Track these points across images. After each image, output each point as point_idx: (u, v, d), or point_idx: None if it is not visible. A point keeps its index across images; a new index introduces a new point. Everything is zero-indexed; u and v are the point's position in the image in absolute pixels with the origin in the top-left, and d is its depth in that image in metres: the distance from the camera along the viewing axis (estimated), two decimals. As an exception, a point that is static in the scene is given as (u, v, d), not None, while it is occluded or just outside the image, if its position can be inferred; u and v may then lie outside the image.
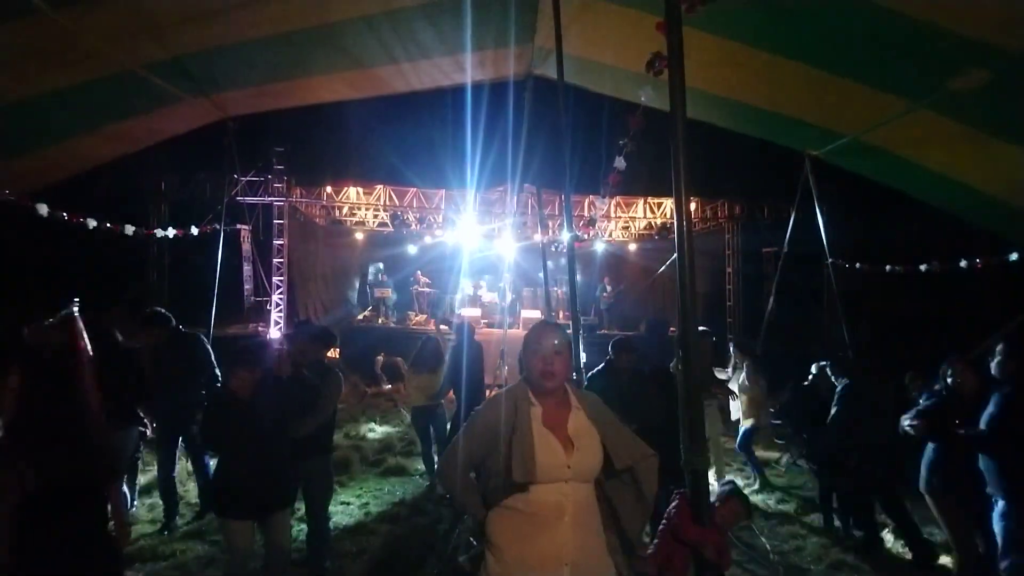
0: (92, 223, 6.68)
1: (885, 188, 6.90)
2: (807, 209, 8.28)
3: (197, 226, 9.75)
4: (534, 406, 2.05)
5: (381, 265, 16.05)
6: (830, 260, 8.40)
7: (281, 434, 3.55)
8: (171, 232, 9.90)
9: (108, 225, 6.92)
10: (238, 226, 12.83)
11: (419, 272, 16.57)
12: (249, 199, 12.32)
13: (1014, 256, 6.70)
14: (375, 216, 15.70)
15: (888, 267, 8.64)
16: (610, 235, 16.74)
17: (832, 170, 7.52)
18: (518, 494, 1.97)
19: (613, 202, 14.43)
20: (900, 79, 4.70)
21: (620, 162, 5.22)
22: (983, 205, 5.85)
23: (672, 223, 15.25)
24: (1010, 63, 3.95)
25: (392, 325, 15.07)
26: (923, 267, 8.01)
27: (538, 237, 14.25)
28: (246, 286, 13.80)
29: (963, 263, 7.43)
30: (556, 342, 2.06)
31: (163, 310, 5.33)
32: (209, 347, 5.40)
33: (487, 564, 2.00)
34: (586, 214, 14.69)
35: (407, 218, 15.56)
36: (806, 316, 12.83)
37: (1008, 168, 5.14)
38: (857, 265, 8.73)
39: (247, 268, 13.74)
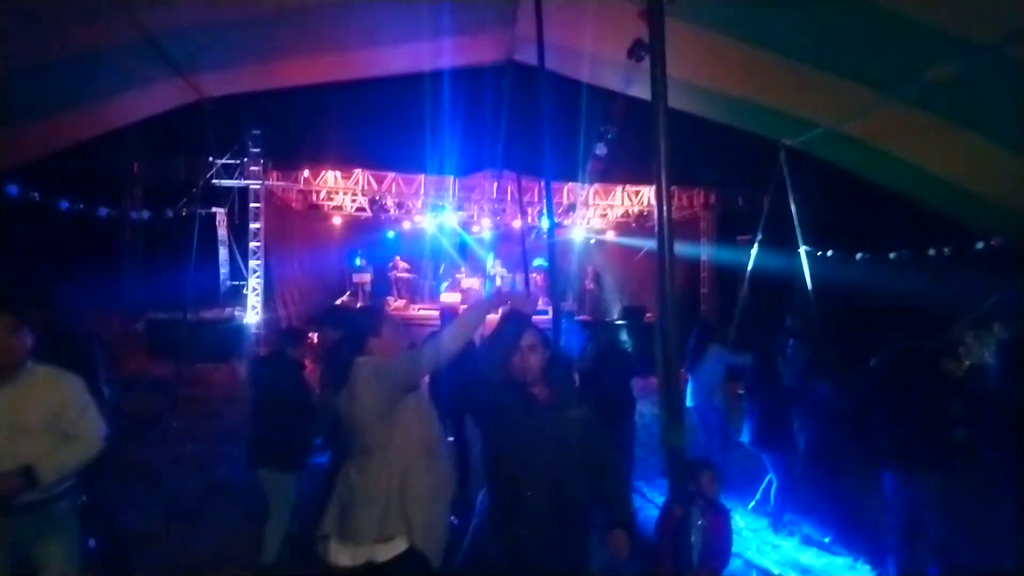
0: (63, 205, 6.56)
1: (858, 177, 7.05)
2: (781, 198, 8.42)
3: (172, 209, 9.60)
4: None
5: (359, 251, 16.01)
6: (803, 247, 8.56)
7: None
8: (145, 215, 9.75)
9: (80, 207, 6.79)
10: (214, 209, 12.60)
11: (398, 257, 16.50)
12: (225, 182, 12.09)
13: (980, 244, 6.94)
14: (353, 201, 15.52)
15: (859, 255, 8.85)
16: (588, 223, 16.77)
17: (806, 159, 7.65)
18: None
19: (592, 189, 14.47)
20: (874, 71, 4.80)
21: (601, 148, 5.27)
22: (953, 195, 6.02)
23: (649, 211, 15.27)
24: (979, 55, 4.07)
25: (370, 311, 14.99)
26: (892, 255, 8.24)
27: (517, 223, 14.28)
28: (222, 270, 13.59)
29: (932, 251, 7.66)
30: None
31: (45, 288, 3.74)
32: (95, 351, 3.76)
33: None
34: (565, 201, 14.74)
35: (386, 203, 15.43)
36: (778, 303, 13.04)
37: (978, 160, 5.29)
38: (829, 252, 8.92)
39: (223, 252, 13.52)
